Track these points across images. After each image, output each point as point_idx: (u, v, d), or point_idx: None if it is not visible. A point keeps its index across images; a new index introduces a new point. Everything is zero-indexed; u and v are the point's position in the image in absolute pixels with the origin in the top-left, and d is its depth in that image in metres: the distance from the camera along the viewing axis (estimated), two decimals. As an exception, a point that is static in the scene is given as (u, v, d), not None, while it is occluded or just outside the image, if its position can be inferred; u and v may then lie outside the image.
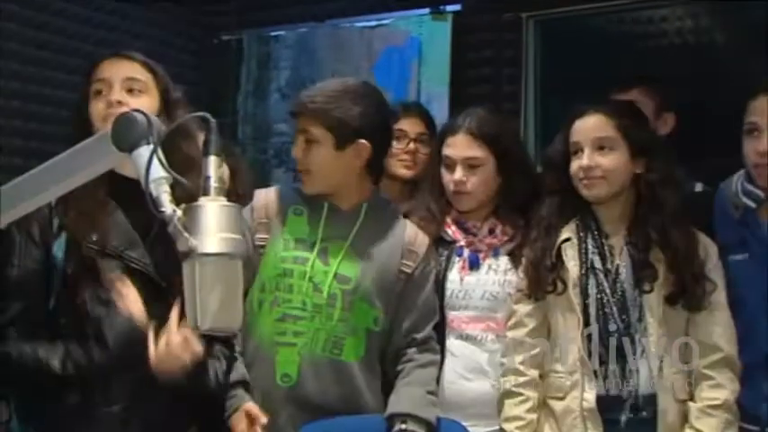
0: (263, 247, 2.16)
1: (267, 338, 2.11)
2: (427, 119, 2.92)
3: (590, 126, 2.16)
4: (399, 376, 2.16)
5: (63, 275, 1.80)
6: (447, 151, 2.35)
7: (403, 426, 2.03)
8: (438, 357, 2.22)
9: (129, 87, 1.86)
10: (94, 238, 1.80)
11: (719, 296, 2.13)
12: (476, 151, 2.31)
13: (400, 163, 2.80)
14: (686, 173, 2.69)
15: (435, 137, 2.91)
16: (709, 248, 2.17)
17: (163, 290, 1.81)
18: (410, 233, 2.23)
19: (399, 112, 2.82)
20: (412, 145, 2.83)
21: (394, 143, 2.55)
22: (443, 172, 2.37)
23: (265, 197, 2.22)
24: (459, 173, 2.31)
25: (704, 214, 2.29)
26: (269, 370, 2.09)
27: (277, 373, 2.09)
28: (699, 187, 2.63)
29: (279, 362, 2.09)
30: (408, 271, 2.19)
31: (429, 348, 2.20)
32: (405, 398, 2.10)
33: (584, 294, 2.14)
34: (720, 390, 2.08)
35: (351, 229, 2.16)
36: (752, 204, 2.21)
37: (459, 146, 2.32)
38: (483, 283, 2.30)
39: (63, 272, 1.80)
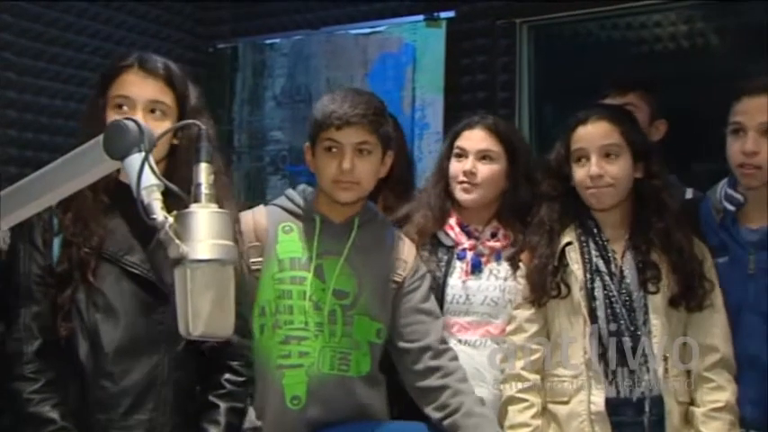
0: (258, 270, 2.11)
1: (272, 363, 2.07)
2: None
3: (597, 133, 2.17)
4: (449, 390, 2.08)
5: (55, 275, 1.81)
6: (462, 143, 2.38)
7: None
8: None
9: (152, 109, 1.85)
10: (93, 243, 1.81)
11: (717, 297, 2.15)
12: (491, 144, 2.36)
13: None
14: (679, 179, 2.70)
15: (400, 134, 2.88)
16: (704, 251, 2.19)
17: (164, 294, 1.81)
18: (399, 243, 2.23)
19: None
20: None
21: None
22: (453, 164, 2.39)
23: (252, 220, 2.15)
24: (471, 163, 2.34)
25: (695, 220, 2.30)
26: (277, 394, 2.06)
27: (286, 397, 2.06)
28: (689, 194, 2.63)
29: (286, 385, 2.06)
30: (399, 280, 2.18)
31: (454, 357, 2.16)
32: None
33: (591, 297, 2.14)
34: (721, 392, 2.09)
35: (345, 244, 2.14)
36: (731, 208, 2.23)
37: (476, 138, 2.37)
38: (484, 288, 2.31)
39: (58, 272, 1.82)
